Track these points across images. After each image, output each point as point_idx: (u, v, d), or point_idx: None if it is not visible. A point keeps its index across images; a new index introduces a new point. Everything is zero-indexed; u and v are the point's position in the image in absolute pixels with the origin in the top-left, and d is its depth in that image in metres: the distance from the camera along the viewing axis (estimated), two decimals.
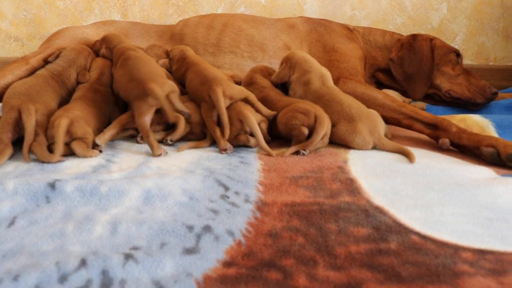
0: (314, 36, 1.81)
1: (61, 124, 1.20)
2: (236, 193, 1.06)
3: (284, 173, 1.18)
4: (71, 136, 1.24)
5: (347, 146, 1.38)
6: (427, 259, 0.82)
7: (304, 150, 1.30)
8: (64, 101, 1.46)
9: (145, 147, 1.32)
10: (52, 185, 1.01)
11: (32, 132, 1.22)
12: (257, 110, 1.35)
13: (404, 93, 1.91)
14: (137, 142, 1.36)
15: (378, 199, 1.06)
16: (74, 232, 0.86)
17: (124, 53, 1.47)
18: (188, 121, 1.37)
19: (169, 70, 1.61)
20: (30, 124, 1.22)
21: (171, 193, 1.02)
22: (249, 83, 1.55)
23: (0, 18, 2.22)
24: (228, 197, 1.03)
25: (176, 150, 1.32)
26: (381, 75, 1.90)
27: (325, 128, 1.30)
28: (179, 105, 1.33)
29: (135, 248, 0.81)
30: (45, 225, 0.89)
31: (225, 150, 1.28)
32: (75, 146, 1.21)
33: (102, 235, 0.85)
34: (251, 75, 1.57)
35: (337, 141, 1.36)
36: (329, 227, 0.92)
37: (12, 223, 0.89)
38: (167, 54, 1.65)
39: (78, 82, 1.51)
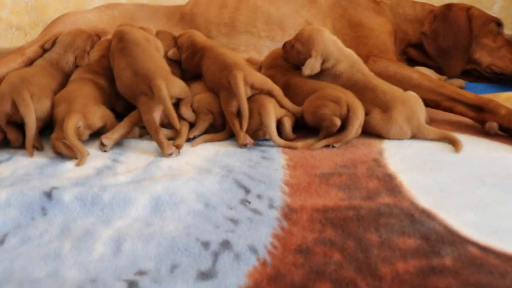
0: (338, 11, 1.63)
1: (69, 126, 1.07)
2: (259, 196, 0.92)
3: (312, 169, 1.04)
4: (90, 128, 1.13)
5: (381, 137, 1.22)
6: (493, 279, 0.67)
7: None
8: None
9: (155, 144, 1.19)
10: (48, 194, 0.89)
11: (33, 126, 1.11)
12: (282, 105, 1.20)
13: (438, 70, 1.73)
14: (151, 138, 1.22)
15: (423, 199, 0.91)
16: (72, 251, 0.74)
17: (120, 37, 1.33)
18: (210, 112, 1.23)
19: (178, 59, 1.46)
20: (29, 117, 1.10)
21: (184, 199, 0.89)
22: (270, 66, 1.39)
23: (0, 7, 2.09)
24: (250, 202, 0.90)
25: (189, 144, 1.19)
26: (413, 51, 1.72)
27: (360, 119, 1.15)
28: (188, 113, 1.21)
29: (141, 273, 0.68)
30: (39, 244, 0.77)
31: (244, 145, 1.14)
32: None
33: (103, 255, 0.73)
34: (273, 56, 1.41)
35: (371, 132, 1.21)
36: (370, 238, 0.78)
37: (2, 242, 0.77)
38: (175, 40, 1.50)
39: (76, 66, 1.39)
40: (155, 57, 1.28)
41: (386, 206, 0.89)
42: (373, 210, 0.87)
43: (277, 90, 1.21)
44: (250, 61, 1.53)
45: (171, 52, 1.47)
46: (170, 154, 1.10)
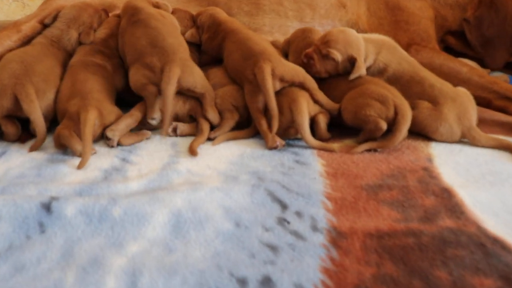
0: None
1: (89, 121, 0.93)
2: (298, 214, 0.77)
3: (356, 179, 0.89)
4: (104, 127, 1.00)
5: (426, 135, 1.07)
6: None
7: None
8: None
9: (170, 139, 1.03)
10: (47, 207, 0.74)
11: (43, 126, 0.98)
12: (316, 100, 1.04)
13: (478, 61, 1.56)
14: (166, 134, 1.06)
15: (490, 223, 0.77)
16: (76, 287, 0.59)
17: (133, 13, 1.16)
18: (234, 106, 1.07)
19: (197, 41, 1.29)
20: (35, 114, 0.96)
21: (210, 217, 0.74)
22: (297, 50, 1.20)
23: None
24: (289, 222, 0.75)
25: (209, 143, 1.03)
26: (452, 40, 1.55)
27: (408, 123, 0.99)
28: (213, 114, 1.05)
29: None
30: (35, 274, 0.62)
31: (274, 148, 0.99)
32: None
33: None
34: (301, 37, 1.22)
35: (415, 129, 1.05)
36: (439, 277, 0.64)
37: None
38: (193, 20, 1.33)
39: (80, 43, 1.22)
40: (178, 35, 1.12)
41: (450, 231, 0.74)
42: (436, 237, 0.72)
43: (311, 82, 1.05)
44: (274, 45, 1.36)
45: (188, 34, 1.29)
46: (275, 148, 0.99)
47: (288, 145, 1.02)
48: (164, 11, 1.24)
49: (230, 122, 1.05)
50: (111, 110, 0.99)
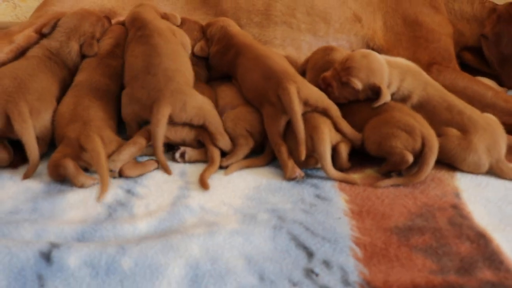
0: (390, 3, 1.38)
1: (101, 149, 0.86)
2: (326, 263, 0.70)
3: (383, 219, 0.82)
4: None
5: (451, 165, 1.00)
6: None
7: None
8: (67, 86, 1.07)
9: (178, 167, 0.95)
10: (47, 256, 0.65)
11: (35, 148, 0.88)
12: (338, 129, 0.96)
13: (494, 79, 1.50)
14: (173, 159, 0.98)
15: None
16: None
17: (141, 25, 1.08)
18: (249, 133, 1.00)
19: (207, 55, 1.21)
20: (27, 136, 0.88)
21: (231, 269, 0.67)
22: (316, 71, 1.13)
23: None
24: (317, 274, 0.68)
25: (221, 172, 0.95)
26: (468, 55, 1.48)
27: (436, 155, 0.92)
28: (224, 141, 0.97)
29: None
30: None
31: (293, 178, 0.92)
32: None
33: None
34: (320, 56, 1.14)
35: (441, 158, 0.98)
36: None
37: None
38: (202, 31, 1.24)
39: (83, 56, 1.12)
40: (179, 56, 1.03)
41: (491, 286, 0.68)
42: None
43: (335, 110, 0.97)
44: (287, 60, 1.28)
45: (198, 47, 1.20)
46: (294, 179, 0.91)
47: (307, 175, 0.94)
48: (173, 26, 1.15)
49: (245, 149, 0.97)
50: (112, 139, 0.91)
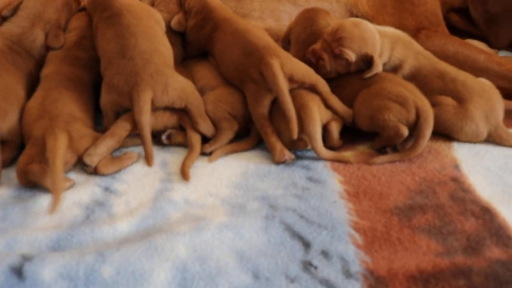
0: None
1: (58, 151, 0.76)
2: (324, 254, 0.65)
3: (382, 199, 0.77)
4: (76, 155, 0.82)
5: (448, 135, 0.95)
6: None
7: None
8: (36, 79, 0.98)
9: (160, 157, 0.89)
10: (18, 271, 0.59)
11: None
12: (328, 105, 0.90)
13: (481, 40, 1.45)
14: (162, 142, 0.92)
15: None
16: None
17: (105, 6, 0.99)
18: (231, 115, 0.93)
19: (183, 29, 1.12)
20: None
21: (222, 268, 0.61)
22: (301, 43, 1.05)
23: None
24: (316, 267, 0.63)
25: (205, 159, 0.89)
26: (455, 17, 1.42)
27: (431, 126, 0.87)
28: (204, 126, 0.91)
29: None
30: None
31: (282, 162, 0.86)
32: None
33: None
34: (303, 25, 1.05)
35: (437, 129, 0.92)
36: None
37: None
38: (180, 4, 1.15)
39: (48, 48, 1.02)
40: (155, 35, 0.95)
41: (502, 265, 0.64)
42: (489, 276, 0.62)
43: (323, 85, 0.91)
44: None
45: (175, 20, 1.11)
46: (283, 162, 0.85)
47: (297, 157, 0.88)
48: (142, 2, 1.06)
49: (228, 133, 0.91)
50: (84, 133, 0.83)
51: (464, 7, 1.40)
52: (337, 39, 0.93)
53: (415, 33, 1.14)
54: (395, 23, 1.20)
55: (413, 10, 1.20)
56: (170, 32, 1.11)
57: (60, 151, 0.76)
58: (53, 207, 0.71)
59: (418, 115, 0.87)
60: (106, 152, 0.83)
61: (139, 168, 0.86)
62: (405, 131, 0.86)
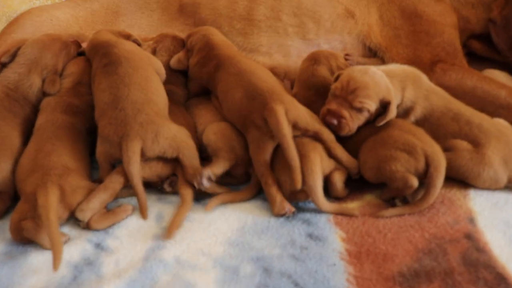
0: None
1: (51, 208, 0.75)
2: None
3: (385, 262, 0.72)
4: (69, 210, 0.80)
5: (463, 181, 0.89)
6: None
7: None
8: (33, 124, 0.97)
9: (156, 209, 0.86)
10: None
11: None
12: (332, 155, 0.85)
13: (505, 67, 1.36)
14: (164, 190, 0.90)
15: None
16: None
17: (105, 52, 0.97)
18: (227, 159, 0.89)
19: (186, 68, 1.09)
20: None
21: None
22: (305, 84, 1.01)
23: None
24: None
25: (202, 206, 0.86)
26: (476, 44, 1.34)
27: (443, 175, 0.81)
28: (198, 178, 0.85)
29: None
30: None
31: (282, 215, 0.81)
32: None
33: None
34: (309, 67, 1.02)
35: (451, 175, 0.86)
36: None
37: None
38: (182, 45, 1.12)
39: (44, 93, 1.01)
40: (150, 84, 0.92)
41: None
42: None
43: (327, 133, 0.86)
44: (275, 72, 1.16)
45: (175, 59, 1.09)
46: (283, 215, 0.81)
47: (298, 208, 0.84)
48: (144, 51, 1.04)
49: (227, 163, 0.87)
50: (78, 186, 0.81)
51: (485, 33, 1.32)
52: (351, 92, 0.87)
53: (431, 66, 1.08)
54: (409, 55, 1.14)
55: (429, 41, 1.13)
56: (172, 72, 1.09)
57: (52, 206, 0.74)
58: (55, 264, 0.69)
59: (428, 164, 0.81)
60: (99, 207, 0.80)
61: (133, 221, 0.83)
62: (415, 182, 0.80)
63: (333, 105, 0.89)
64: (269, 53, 1.21)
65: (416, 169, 0.81)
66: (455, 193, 0.87)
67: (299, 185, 0.79)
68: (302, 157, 0.81)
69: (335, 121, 0.87)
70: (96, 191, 0.81)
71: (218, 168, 0.88)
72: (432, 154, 0.81)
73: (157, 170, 0.86)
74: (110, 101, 0.88)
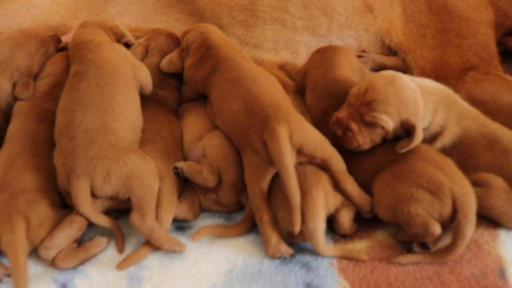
0: None
1: (18, 248, 0.66)
2: None
3: None
4: (33, 245, 0.70)
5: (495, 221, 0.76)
6: None
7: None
8: (4, 132, 0.86)
9: (135, 240, 0.75)
10: None
11: None
12: (341, 188, 0.72)
13: None
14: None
15: None
16: None
17: (80, 56, 0.84)
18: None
19: (179, 70, 0.96)
20: None
21: None
22: (318, 87, 0.87)
23: None
24: None
25: (188, 235, 0.75)
26: None
27: (473, 223, 0.68)
28: (148, 222, 0.72)
29: None
30: None
31: (277, 257, 0.70)
32: None
33: None
34: (315, 67, 0.88)
35: (483, 213, 0.73)
36: None
37: None
38: (177, 43, 0.99)
39: (15, 98, 0.88)
40: (117, 106, 0.78)
41: None
42: None
43: (337, 162, 0.73)
44: (283, 68, 1.02)
45: (165, 61, 0.96)
46: (279, 257, 0.70)
47: (297, 249, 0.72)
48: (132, 57, 0.90)
49: (209, 181, 0.77)
50: (46, 217, 0.70)
51: None
52: (367, 103, 0.73)
53: (460, 74, 0.93)
54: (435, 59, 0.99)
55: (459, 43, 0.98)
56: (164, 75, 0.96)
57: (20, 247, 0.65)
58: None
59: (456, 208, 0.67)
60: (65, 243, 0.70)
61: (107, 256, 0.72)
62: (437, 230, 0.67)
63: (342, 114, 0.76)
64: (275, 49, 1.06)
65: (440, 214, 0.68)
66: (483, 234, 0.75)
67: (297, 229, 0.67)
68: (303, 193, 0.69)
69: (339, 132, 0.75)
70: (62, 226, 0.70)
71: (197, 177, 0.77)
72: (461, 197, 0.67)
73: (113, 205, 0.74)
74: (64, 125, 0.76)
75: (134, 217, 0.70)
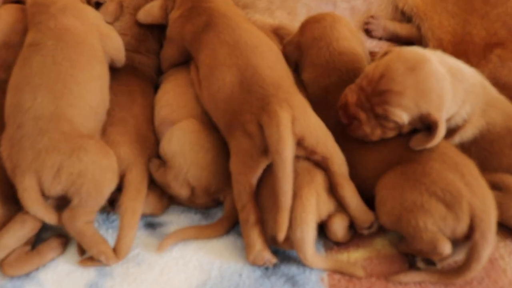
0: None
1: None
2: None
3: None
4: None
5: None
6: None
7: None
8: None
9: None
10: None
11: None
12: (338, 195, 0.61)
13: None
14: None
15: None
16: None
17: (37, 23, 0.70)
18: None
19: (162, 21, 0.82)
20: None
21: None
22: (317, 61, 0.75)
23: None
24: None
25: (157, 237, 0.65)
26: None
27: (492, 245, 0.57)
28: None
29: None
30: None
31: (260, 265, 0.61)
32: None
33: None
34: (324, 41, 0.75)
35: (500, 221, 0.61)
36: None
37: None
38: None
39: None
40: (72, 89, 0.65)
41: None
42: None
43: (339, 163, 0.62)
44: (277, 33, 0.89)
45: (144, 10, 0.82)
46: (261, 265, 0.62)
47: (281, 257, 0.62)
48: (102, 21, 0.76)
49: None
50: None
51: None
52: (380, 93, 0.61)
53: (484, 51, 0.79)
54: (456, 29, 0.85)
55: (486, 12, 0.83)
56: (142, 36, 0.83)
57: None
58: None
59: (473, 226, 0.56)
60: (14, 244, 0.60)
61: (64, 260, 0.63)
62: (446, 250, 0.56)
63: (351, 99, 0.64)
64: (270, 10, 0.91)
65: (453, 232, 0.57)
66: (498, 247, 0.65)
67: (281, 237, 0.57)
68: (293, 196, 0.58)
69: (345, 120, 0.64)
70: (12, 224, 0.60)
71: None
72: (481, 214, 0.56)
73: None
74: (12, 108, 0.63)
75: (65, 215, 0.60)
